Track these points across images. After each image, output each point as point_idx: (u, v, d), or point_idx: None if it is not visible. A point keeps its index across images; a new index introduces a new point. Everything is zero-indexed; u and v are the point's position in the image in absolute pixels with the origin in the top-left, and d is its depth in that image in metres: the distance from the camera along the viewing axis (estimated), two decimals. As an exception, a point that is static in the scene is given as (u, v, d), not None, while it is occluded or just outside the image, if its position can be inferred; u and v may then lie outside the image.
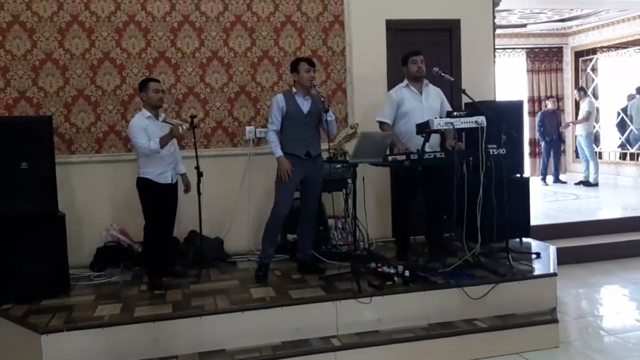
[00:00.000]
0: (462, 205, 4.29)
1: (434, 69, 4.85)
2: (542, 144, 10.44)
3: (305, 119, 4.54)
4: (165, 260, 4.75)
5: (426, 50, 5.50)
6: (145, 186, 4.52)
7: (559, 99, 11.30)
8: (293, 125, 4.53)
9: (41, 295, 4.31)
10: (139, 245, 5.08)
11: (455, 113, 4.38)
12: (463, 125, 4.33)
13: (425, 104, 4.89)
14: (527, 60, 11.57)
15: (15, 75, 5.16)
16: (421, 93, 4.92)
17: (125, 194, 5.14)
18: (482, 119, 4.34)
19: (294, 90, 4.58)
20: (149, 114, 4.51)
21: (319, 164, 4.65)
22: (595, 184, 9.70)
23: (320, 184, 4.69)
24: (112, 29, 5.32)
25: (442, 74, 4.81)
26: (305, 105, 4.55)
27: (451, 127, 4.28)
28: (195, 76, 5.51)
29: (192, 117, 4.75)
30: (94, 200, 5.30)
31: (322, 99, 4.41)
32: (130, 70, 5.38)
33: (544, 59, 11.56)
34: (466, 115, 4.36)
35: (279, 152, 4.49)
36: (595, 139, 10.29)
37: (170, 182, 4.60)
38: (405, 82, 4.98)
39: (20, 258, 4.28)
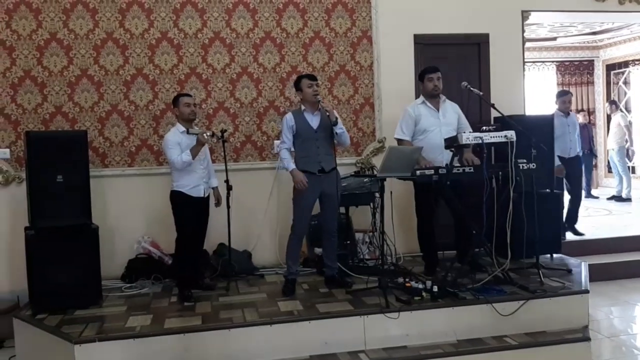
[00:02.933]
0: (491, 220, 4.26)
1: (463, 83, 4.85)
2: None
3: (316, 135, 4.57)
4: (195, 272, 4.82)
5: (454, 64, 5.53)
6: (178, 199, 4.61)
7: (590, 112, 11.13)
8: (304, 143, 4.58)
9: (74, 305, 4.41)
10: (169, 258, 5.16)
11: (484, 127, 4.37)
12: (492, 140, 4.31)
13: (443, 120, 4.90)
14: (557, 74, 11.44)
15: (52, 90, 5.31)
16: (438, 109, 4.92)
17: (156, 207, 5.24)
18: (511, 134, 4.31)
19: (302, 108, 4.63)
20: (183, 128, 4.62)
21: (334, 178, 4.63)
22: (628, 199, 9.50)
23: (338, 196, 4.68)
24: (145, 45, 5.45)
25: (471, 89, 4.80)
26: (314, 121, 4.58)
27: (480, 141, 4.27)
28: (226, 91, 5.60)
29: (223, 131, 4.83)
30: (126, 213, 5.41)
31: (328, 114, 4.42)
32: (162, 86, 5.50)
33: (575, 72, 11.42)
34: (495, 130, 4.34)
35: (291, 166, 4.55)
36: (627, 153, 10.09)
37: (202, 195, 4.68)
38: (422, 98, 4.99)
39: (55, 269, 4.38)
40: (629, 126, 9.61)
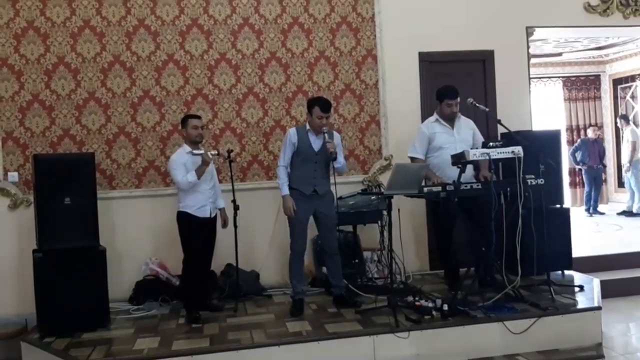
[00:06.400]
0: (500, 236, 4.22)
1: (469, 99, 4.85)
2: (584, 174, 10.17)
3: (316, 157, 4.56)
4: (202, 293, 4.79)
5: (460, 80, 5.52)
6: (184, 220, 4.60)
7: (598, 127, 11.07)
8: (303, 163, 4.57)
9: (82, 328, 4.40)
10: (177, 279, 5.14)
11: (491, 143, 4.35)
12: (499, 156, 4.29)
13: (457, 137, 4.89)
14: (563, 89, 11.42)
15: (60, 114, 5.36)
16: (452, 127, 4.91)
17: (164, 228, 5.23)
18: (518, 149, 4.29)
19: (307, 127, 4.61)
20: (189, 149, 4.62)
21: (328, 199, 4.62)
22: (639, 214, 9.39)
23: (334, 217, 4.64)
24: (152, 68, 5.49)
25: (477, 105, 4.80)
26: (317, 143, 4.56)
27: (487, 157, 4.25)
28: (232, 111, 5.63)
29: (229, 151, 4.84)
30: (134, 234, 5.40)
31: (330, 152, 4.39)
32: (169, 107, 5.53)
33: (581, 87, 11.38)
34: (502, 146, 4.32)
35: (284, 191, 4.56)
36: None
37: (209, 216, 4.67)
38: (436, 116, 4.99)
39: (63, 292, 4.38)
40: (636, 142, 9.53)
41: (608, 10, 6.25)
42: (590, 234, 8.13)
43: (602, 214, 9.87)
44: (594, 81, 11.38)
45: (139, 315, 4.86)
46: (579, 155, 10.02)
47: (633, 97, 10.85)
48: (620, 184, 10.55)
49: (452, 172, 4.59)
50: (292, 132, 4.61)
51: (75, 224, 4.49)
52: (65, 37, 5.35)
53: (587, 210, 9.99)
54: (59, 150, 5.32)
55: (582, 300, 4.52)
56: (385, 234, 5.03)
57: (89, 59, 5.40)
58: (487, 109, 4.89)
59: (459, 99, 4.88)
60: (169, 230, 4.97)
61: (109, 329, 4.51)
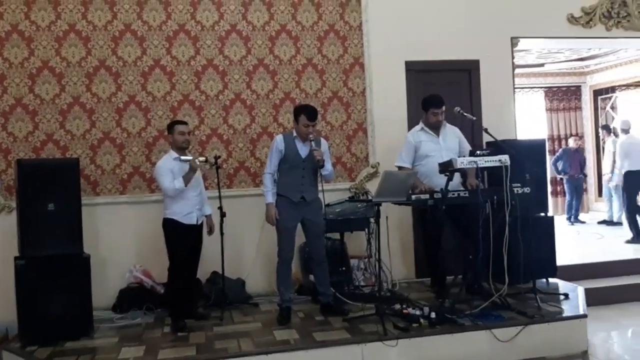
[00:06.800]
0: (487, 244, 4.24)
1: (456, 108, 4.89)
2: (565, 183, 10.30)
3: (303, 164, 4.54)
4: (188, 301, 4.73)
5: (446, 89, 5.56)
6: (170, 227, 4.55)
7: (579, 137, 11.22)
8: (291, 170, 4.55)
9: (65, 337, 4.32)
10: (162, 287, 5.07)
11: (478, 152, 4.38)
12: (487, 164, 4.32)
13: (443, 145, 4.92)
14: (545, 99, 11.58)
15: (44, 118, 5.28)
16: (438, 135, 4.94)
17: (148, 235, 5.17)
18: (505, 158, 4.32)
19: (294, 134, 4.60)
20: (175, 155, 4.58)
21: (316, 206, 4.60)
22: (619, 223, 9.52)
23: (322, 224, 4.64)
24: (137, 73, 5.44)
25: (465, 114, 4.84)
26: (304, 150, 4.55)
27: (475, 165, 4.27)
28: (219, 118, 5.60)
29: (216, 157, 4.80)
30: (118, 241, 5.33)
31: (317, 160, 4.39)
32: (155, 113, 5.48)
33: (563, 97, 11.55)
34: (489, 154, 4.35)
35: (268, 199, 4.55)
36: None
37: (195, 223, 4.62)
38: (422, 124, 5.02)
39: (45, 300, 4.30)
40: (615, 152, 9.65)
41: (591, 22, 6.35)
42: (572, 242, 8.22)
43: (583, 222, 10.00)
44: (575, 92, 11.55)
45: (123, 324, 4.78)
46: (560, 165, 10.15)
47: (613, 107, 11.04)
48: (601, 193, 10.68)
49: (439, 180, 4.61)
50: (279, 139, 4.59)
51: (59, 231, 4.42)
52: (50, 41, 5.28)
53: (569, 219, 10.12)
54: (42, 156, 5.24)
55: (567, 308, 4.56)
56: (373, 241, 5.05)
57: (73, 64, 5.33)
58: (474, 118, 4.94)
59: (444, 108, 4.91)
60: (154, 237, 4.92)
61: (93, 337, 4.43)
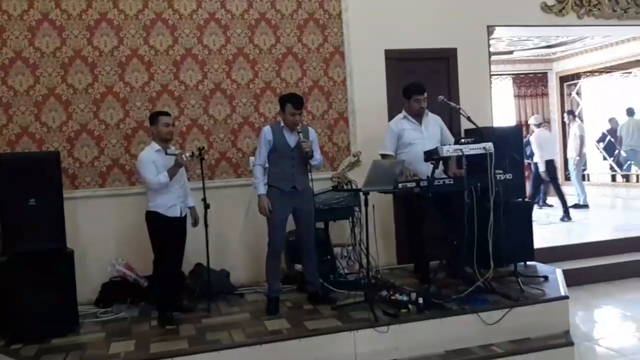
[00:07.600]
0: (472, 230, 4.32)
1: (439, 97, 4.94)
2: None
3: (292, 153, 4.54)
4: (174, 294, 4.69)
5: (424, 78, 5.61)
6: (154, 220, 4.48)
7: (546, 122, 11.47)
8: (280, 159, 4.54)
9: (51, 334, 4.23)
10: (145, 280, 5.02)
11: (463, 140, 4.45)
12: (472, 152, 4.38)
13: (426, 133, 4.97)
14: (513, 86, 11.80)
15: (18, 111, 5.13)
16: (420, 123, 4.99)
17: (130, 228, 5.11)
18: (490, 145, 4.40)
19: (281, 124, 4.59)
20: (158, 147, 4.50)
21: (307, 195, 4.62)
22: (586, 206, 9.81)
23: (313, 213, 4.66)
24: (114, 63, 5.33)
25: (448, 102, 4.90)
26: (292, 139, 4.54)
27: (460, 153, 4.34)
28: (199, 108, 5.53)
29: (200, 149, 4.73)
30: (98, 235, 5.24)
31: (306, 152, 4.41)
32: (134, 104, 5.38)
33: (530, 84, 11.80)
34: (474, 142, 4.42)
35: (260, 190, 4.52)
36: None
37: (179, 215, 4.57)
38: (404, 113, 5.05)
39: (29, 296, 4.21)
40: (583, 136, 9.94)
41: (563, 10, 6.49)
42: (543, 226, 8.43)
43: (551, 206, 10.25)
44: (542, 78, 11.81)
45: (107, 318, 4.72)
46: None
47: (578, 93, 11.32)
48: (567, 177, 10.98)
49: (422, 167, 4.68)
50: (267, 129, 4.57)
51: (41, 226, 4.31)
52: (22, 30, 5.12)
53: (537, 202, 10.36)
54: (17, 149, 5.09)
55: (548, 291, 4.68)
56: (357, 230, 5.09)
57: (48, 54, 5.18)
58: (458, 106, 4.99)
59: (426, 94, 4.96)
60: (136, 230, 4.86)
61: (79, 333, 4.35)
